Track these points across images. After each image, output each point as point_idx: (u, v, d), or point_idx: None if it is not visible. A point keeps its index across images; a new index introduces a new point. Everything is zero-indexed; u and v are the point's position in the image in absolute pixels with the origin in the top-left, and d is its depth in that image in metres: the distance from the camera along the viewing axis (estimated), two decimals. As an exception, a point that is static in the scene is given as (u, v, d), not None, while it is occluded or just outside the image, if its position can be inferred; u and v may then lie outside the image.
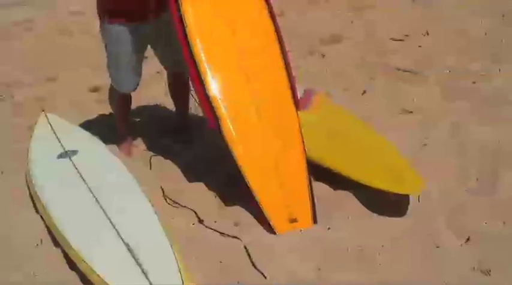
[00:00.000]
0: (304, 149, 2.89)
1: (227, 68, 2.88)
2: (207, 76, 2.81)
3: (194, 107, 3.69)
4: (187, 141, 3.53)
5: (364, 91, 4.10)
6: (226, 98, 2.83)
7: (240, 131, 2.82)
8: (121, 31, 3.11)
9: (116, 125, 3.57)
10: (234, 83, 2.87)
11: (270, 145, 2.84)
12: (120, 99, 3.42)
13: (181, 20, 2.83)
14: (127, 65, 3.21)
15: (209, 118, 2.82)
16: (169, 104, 3.75)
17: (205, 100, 2.81)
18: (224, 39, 2.91)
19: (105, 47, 3.24)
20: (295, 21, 5.41)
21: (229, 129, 2.81)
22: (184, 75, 3.22)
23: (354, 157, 3.00)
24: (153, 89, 4.15)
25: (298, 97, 3.05)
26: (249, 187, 2.77)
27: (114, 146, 3.47)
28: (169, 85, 3.58)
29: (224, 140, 2.81)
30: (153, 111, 4.03)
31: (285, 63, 2.96)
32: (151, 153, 3.45)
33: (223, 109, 2.81)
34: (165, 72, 3.56)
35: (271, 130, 2.87)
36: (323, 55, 4.76)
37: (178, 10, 2.83)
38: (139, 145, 3.60)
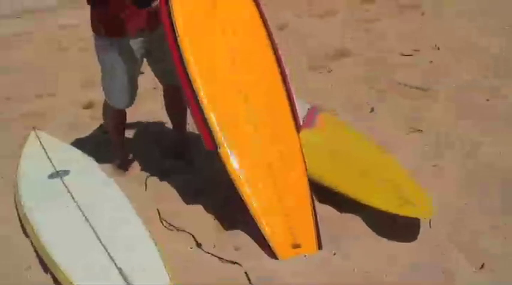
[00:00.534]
0: (306, 170, 2.90)
1: (223, 87, 2.92)
2: (201, 95, 2.84)
3: (192, 123, 3.70)
4: (185, 160, 3.55)
5: (372, 109, 4.11)
6: (223, 120, 2.85)
7: (238, 153, 2.84)
8: (115, 45, 3.14)
9: (111, 144, 3.58)
10: (231, 103, 2.90)
11: (270, 166, 2.86)
12: (114, 115, 3.44)
13: (172, 30, 2.88)
14: (122, 80, 3.23)
15: (206, 140, 2.84)
16: (167, 120, 3.78)
17: (202, 122, 2.84)
18: (219, 51, 2.95)
19: (100, 61, 3.27)
20: (300, 34, 5.44)
21: (228, 151, 2.82)
22: (180, 89, 3.25)
23: (360, 177, 3.01)
24: (149, 104, 4.17)
25: (300, 114, 3.08)
26: (249, 210, 2.77)
27: (109, 166, 3.49)
28: (165, 100, 3.60)
29: (222, 162, 2.83)
30: (149, 128, 4.05)
31: (283, 77, 3.01)
32: (147, 173, 3.46)
33: (220, 132, 2.83)
34: (161, 88, 3.58)
35: (271, 151, 2.89)
36: (329, 71, 4.78)
37: (172, 29, 2.88)
38: (134, 164, 3.61)
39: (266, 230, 2.74)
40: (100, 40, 3.19)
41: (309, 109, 3.62)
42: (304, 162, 2.92)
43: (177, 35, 2.87)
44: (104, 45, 3.17)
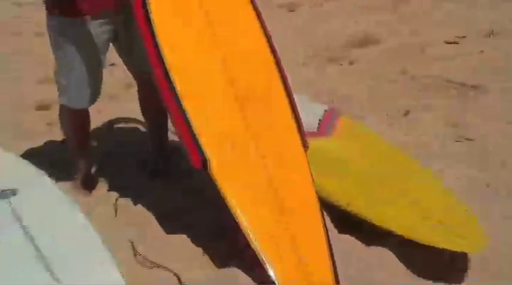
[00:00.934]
0: (315, 194, 2.89)
1: (213, 89, 2.94)
2: (183, 98, 2.84)
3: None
4: (165, 177, 3.57)
5: (407, 112, 4.13)
6: (214, 131, 2.87)
7: (233, 172, 2.84)
8: (73, 27, 3.15)
9: (70, 155, 3.59)
10: (224, 111, 2.93)
11: (272, 187, 2.86)
12: (73, 118, 3.44)
13: (147, 20, 2.89)
14: (80, 71, 3.24)
15: (193, 156, 2.83)
16: (143, 124, 3.82)
17: (186, 134, 2.83)
18: (205, 46, 2.98)
19: (53, 47, 3.28)
20: (311, 18, 5.46)
21: (221, 170, 2.81)
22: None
23: (393, 201, 3.00)
24: (121, 104, 4.21)
25: (314, 119, 3.21)
26: (249, 243, 2.75)
27: (68, 183, 3.50)
28: (139, 99, 3.61)
29: (214, 181, 2.82)
30: (121, 134, 4.07)
31: (283, 79, 3.03)
32: (117, 193, 3.46)
33: (210, 146, 2.82)
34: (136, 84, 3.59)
35: (273, 171, 2.89)
36: (351, 62, 4.81)
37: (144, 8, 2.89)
38: (101, 180, 3.63)
39: (272, 268, 2.72)
40: (54, 20, 3.21)
41: (325, 111, 3.65)
42: (312, 180, 2.93)
43: (150, 17, 2.89)
44: (59, 26, 3.19)
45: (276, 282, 2.69)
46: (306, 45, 5.09)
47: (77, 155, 3.56)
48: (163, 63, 2.87)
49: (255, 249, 2.74)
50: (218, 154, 2.84)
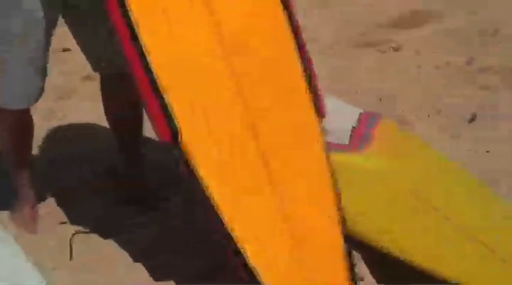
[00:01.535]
0: (343, 221, 2.94)
1: (213, 94, 3.02)
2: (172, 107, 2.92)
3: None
4: (138, 202, 3.63)
5: (473, 117, 4.14)
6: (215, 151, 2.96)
7: (236, 197, 2.93)
8: None
9: (8, 172, 3.60)
10: (229, 123, 3.01)
11: (283, 211, 2.94)
12: (9, 122, 3.46)
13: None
14: (18, 57, 3.25)
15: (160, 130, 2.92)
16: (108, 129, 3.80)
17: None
18: (202, 35, 3.03)
19: None
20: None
21: (220, 191, 2.90)
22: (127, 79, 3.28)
23: (453, 240, 3.02)
24: (77, 102, 4.21)
25: (344, 125, 3.30)
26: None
27: (4, 214, 3.53)
28: (102, 97, 3.64)
29: (210, 203, 2.88)
30: (77, 143, 4.10)
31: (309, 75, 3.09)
32: (73, 226, 3.49)
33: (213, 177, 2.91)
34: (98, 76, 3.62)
35: (285, 186, 2.98)
36: (396, 48, 4.85)
37: None
38: (51, 207, 3.64)
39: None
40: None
41: (360, 116, 3.65)
42: (339, 208, 2.97)
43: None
44: None
45: None
46: (335, 25, 5.11)
47: (16, 173, 3.57)
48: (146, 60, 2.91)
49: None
50: (214, 176, 2.92)
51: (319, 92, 3.07)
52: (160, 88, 2.89)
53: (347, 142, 3.45)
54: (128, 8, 2.90)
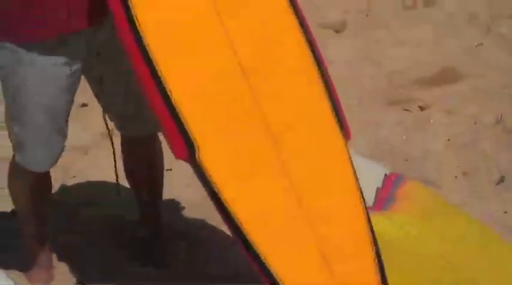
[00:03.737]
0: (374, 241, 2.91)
1: (234, 118, 3.00)
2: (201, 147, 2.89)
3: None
4: (157, 264, 3.64)
5: (502, 178, 4.15)
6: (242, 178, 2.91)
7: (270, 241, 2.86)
8: (26, 57, 3.14)
9: (23, 233, 3.59)
10: (258, 151, 2.99)
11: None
12: (29, 182, 3.44)
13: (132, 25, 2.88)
14: (39, 121, 3.24)
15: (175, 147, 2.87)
16: (128, 189, 3.81)
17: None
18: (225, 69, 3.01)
19: (2, 87, 3.28)
20: (366, 44, 5.48)
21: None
22: (151, 141, 3.30)
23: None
24: (94, 161, 4.21)
25: (369, 187, 3.21)
26: None
27: (19, 274, 3.52)
28: (123, 159, 3.65)
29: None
30: (96, 203, 4.09)
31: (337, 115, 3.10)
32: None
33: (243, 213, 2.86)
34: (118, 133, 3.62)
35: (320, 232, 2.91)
36: (421, 108, 4.82)
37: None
38: (66, 270, 3.62)
39: None
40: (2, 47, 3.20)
41: (385, 176, 3.63)
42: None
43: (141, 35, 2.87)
44: (5, 58, 3.18)
45: None
46: (358, 81, 5.12)
47: (32, 235, 3.56)
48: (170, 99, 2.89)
49: None
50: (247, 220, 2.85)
51: (343, 113, 3.10)
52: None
53: (371, 204, 3.40)
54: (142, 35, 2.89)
